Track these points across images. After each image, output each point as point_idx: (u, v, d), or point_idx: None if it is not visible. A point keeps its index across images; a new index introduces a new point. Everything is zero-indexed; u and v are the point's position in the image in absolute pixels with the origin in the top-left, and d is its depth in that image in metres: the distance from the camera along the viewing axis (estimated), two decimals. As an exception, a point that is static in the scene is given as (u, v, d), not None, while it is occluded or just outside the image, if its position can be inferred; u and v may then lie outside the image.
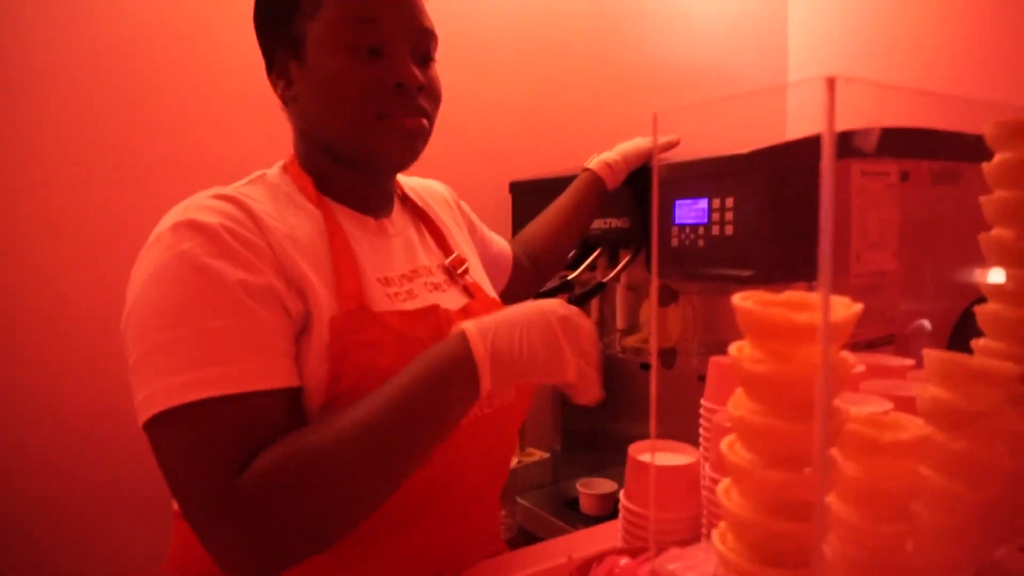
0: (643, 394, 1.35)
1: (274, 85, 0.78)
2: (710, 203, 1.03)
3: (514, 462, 1.54)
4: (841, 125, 0.99)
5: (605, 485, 1.38)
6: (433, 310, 0.77)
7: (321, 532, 0.60)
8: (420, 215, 0.93)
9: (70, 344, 1.20)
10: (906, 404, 0.57)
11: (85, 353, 1.21)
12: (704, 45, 1.97)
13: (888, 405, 0.57)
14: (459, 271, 0.89)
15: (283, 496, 0.58)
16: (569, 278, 1.29)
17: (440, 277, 0.86)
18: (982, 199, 0.57)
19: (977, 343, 0.59)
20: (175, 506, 0.67)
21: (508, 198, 1.50)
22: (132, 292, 0.64)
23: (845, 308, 0.38)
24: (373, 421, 0.60)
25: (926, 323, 1.17)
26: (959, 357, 0.51)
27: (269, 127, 1.29)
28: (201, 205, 0.66)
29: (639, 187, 1.18)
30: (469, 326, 0.65)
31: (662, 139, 1.16)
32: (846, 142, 1.02)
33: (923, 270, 1.17)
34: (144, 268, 0.64)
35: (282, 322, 0.65)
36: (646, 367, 1.35)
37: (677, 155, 1.12)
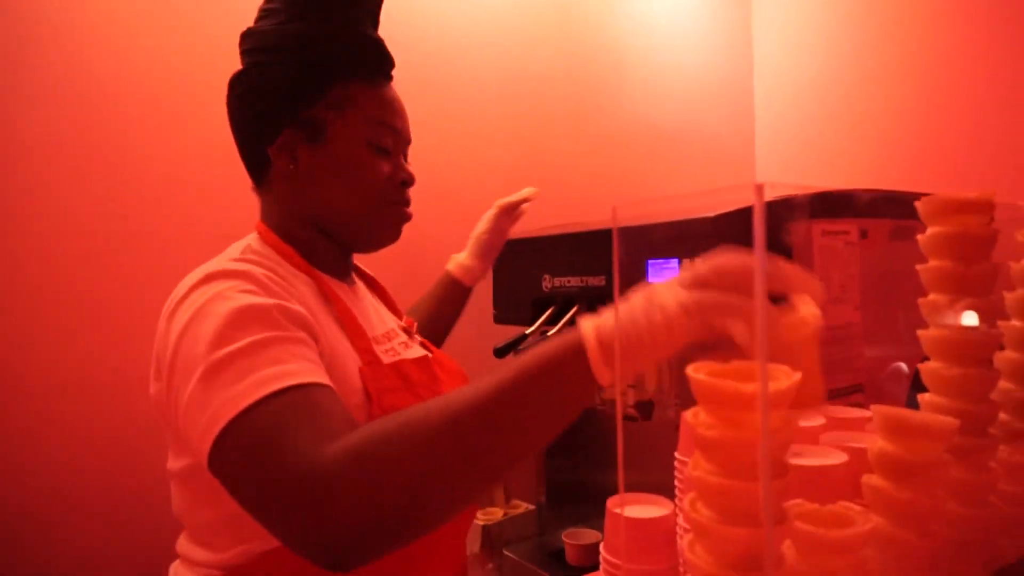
0: (626, 443, 1.38)
1: (273, 157, 0.82)
2: (680, 263, 1.09)
3: (500, 514, 1.56)
4: (806, 187, 1.06)
5: (590, 535, 1.40)
6: (425, 360, 0.86)
7: (405, 519, 0.56)
8: (369, 281, 1.02)
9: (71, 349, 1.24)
10: (860, 456, 0.61)
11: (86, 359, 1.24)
12: (674, 105, 2.07)
13: (842, 457, 0.62)
14: (413, 330, 0.98)
15: (368, 474, 0.55)
16: (549, 334, 1.34)
17: (403, 336, 0.93)
18: (919, 267, 0.63)
19: (923, 397, 0.64)
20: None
21: (489, 256, 1.55)
22: (171, 338, 0.66)
23: (786, 377, 0.43)
24: (477, 402, 0.55)
25: (903, 366, 1.22)
26: (903, 413, 0.56)
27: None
28: (224, 262, 0.71)
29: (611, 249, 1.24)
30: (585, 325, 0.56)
31: (515, 197, 1.24)
32: (806, 204, 1.09)
33: (887, 319, 1.23)
34: (182, 316, 0.67)
35: (315, 350, 0.69)
36: (629, 419, 1.39)
37: (650, 216, 1.18)
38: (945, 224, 0.62)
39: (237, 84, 0.82)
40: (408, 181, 0.87)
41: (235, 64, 0.83)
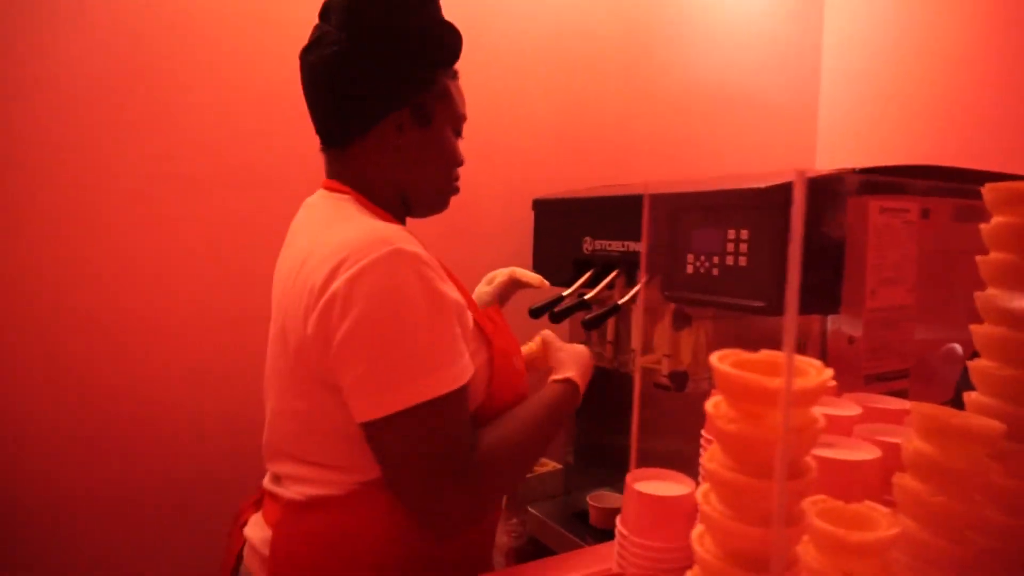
0: (658, 412, 1.37)
1: (385, 131, 0.90)
2: (726, 234, 1.05)
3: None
4: (872, 160, 1.00)
5: (614, 499, 1.40)
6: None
7: (504, 495, 0.96)
8: None
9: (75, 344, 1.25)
10: (895, 452, 0.58)
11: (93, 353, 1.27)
12: (736, 67, 1.97)
13: (876, 453, 0.59)
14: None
15: (500, 470, 0.81)
16: (587, 297, 1.31)
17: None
18: (978, 259, 0.58)
19: (969, 396, 0.60)
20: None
21: (530, 215, 1.52)
22: (363, 303, 0.74)
23: (816, 374, 0.40)
24: (539, 426, 0.88)
25: (957, 347, 1.17)
26: (943, 413, 0.53)
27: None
28: (395, 235, 0.78)
29: (659, 214, 1.20)
30: (573, 375, 0.98)
31: (531, 278, 1.20)
32: (863, 180, 1.03)
33: (944, 304, 1.17)
34: (371, 285, 0.74)
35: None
36: (662, 387, 1.37)
37: (699, 185, 1.14)
38: (1011, 214, 0.57)
39: (346, 59, 0.86)
40: (462, 163, 0.98)
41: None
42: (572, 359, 1.02)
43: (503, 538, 1.51)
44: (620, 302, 1.25)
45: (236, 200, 1.33)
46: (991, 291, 0.58)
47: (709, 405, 0.43)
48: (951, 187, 1.14)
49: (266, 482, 0.91)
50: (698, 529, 0.45)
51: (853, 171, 1.02)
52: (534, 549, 1.55)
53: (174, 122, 1.27)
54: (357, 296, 0.73)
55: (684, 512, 0.72)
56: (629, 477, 0.75)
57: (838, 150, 2.00)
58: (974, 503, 0.52)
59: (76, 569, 1.25)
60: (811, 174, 1.01)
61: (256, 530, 0.88)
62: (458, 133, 0.98)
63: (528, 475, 1.54)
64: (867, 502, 0.50)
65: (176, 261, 1.29)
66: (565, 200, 1.44)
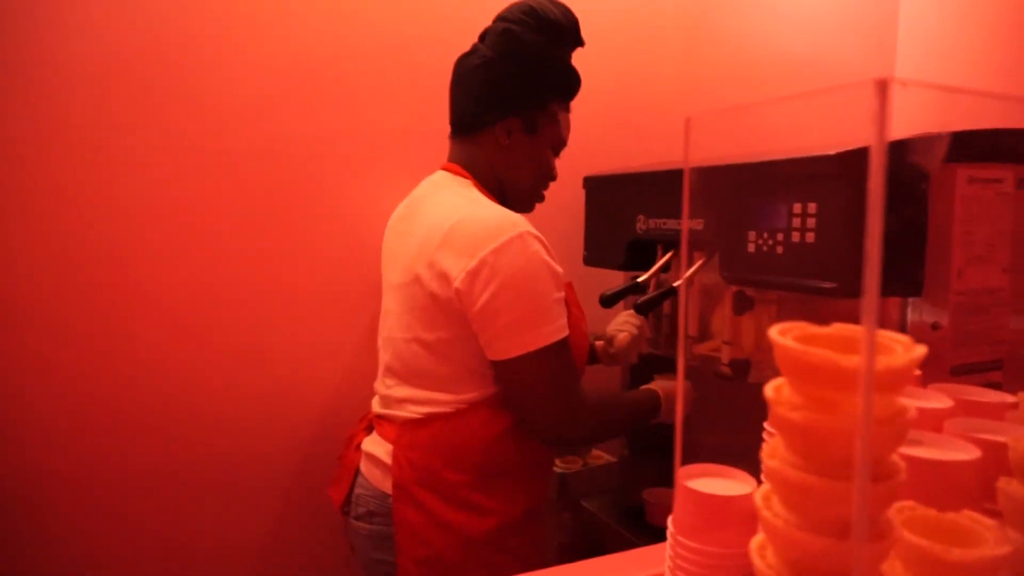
0: (717, 403, 1.28)
1: (499, 131, 1.13)
2: (791, 207, 0.95)
3: (579, 464, 1.50)
4: (950, 125, 0.89)
5: (672, 496, 1.32)
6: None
7: (594, 437, 1.32)
8: None
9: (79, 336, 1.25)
10: (997, 451, 0.49)
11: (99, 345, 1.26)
12: (804, 35, 1.84)
13: (974, 453, 0.50)
14: None
15: (594, 414, 1.10)
16: (640, 280, 1.23)
17: None
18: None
19: (1089, 386, 0.50)
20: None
21: (581, 193, 1.45)
22: (505, 272, 0.99)
23: (904, 351, 0.32)
24: (623, 406, 1.20)
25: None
26: (1061, 405, 0.44)
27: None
28: (522, 221, 1.03)
29: (716, 188, 1.11)
30: (658, 390, 1.23)
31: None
32: (950, 145, 0.92)
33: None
34: (512, 259, 0.99)
35: None
36: (723, 377, 1.28)
37: (757, 154, 1.04)
38: None
39: (489, 67, 1.11)
40: (555, 178, 1.23)
41: None
42: (662, 382, 1.26)
43: (552, 533, 1.46)
44: (675, 284, 1.16)
45: (244, 186, 1.32)
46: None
47: (769, 389, 0.36)
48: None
49: (377, 408, 1.17)
50: (758, 538, 0.37)
51: (939, 135, 0.91)
52: (586, 545, 1.48)
53: (178, 114, 1.26)
54: (500, 265, 0.98)
55: (743, 514, 0.64)
56: (680, 473, 0.67)
57: (915, 126, 1.84)
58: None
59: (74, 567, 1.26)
60: (891, 138, 0.91)
61: (375, 446, 1.13)
62: (556, 154, 1.21)
63: (582, 468, 1.48)
64: (966, 511, 0.41)
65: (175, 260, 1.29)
66: (617, 176, 1.36)
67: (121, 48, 1.20)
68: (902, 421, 0.33)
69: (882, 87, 0.25)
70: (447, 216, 1.05)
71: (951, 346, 0.97)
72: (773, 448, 0.36)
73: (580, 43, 1.17)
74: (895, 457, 0.34)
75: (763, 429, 0.73)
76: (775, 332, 0.34)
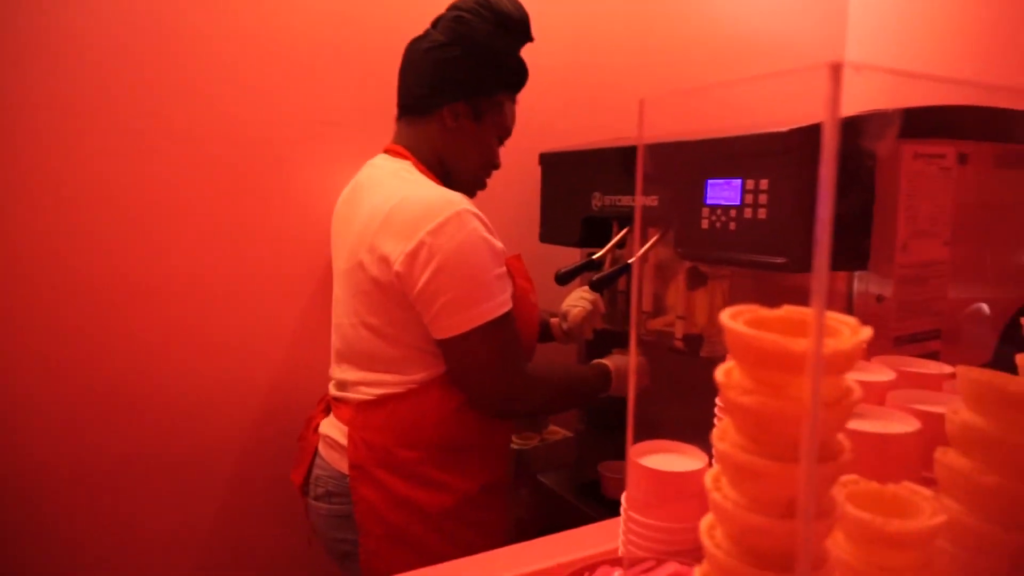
0: (671, 377, 1.30)
1: (446, 114, 1.14)
2: (744, 184, 0.96)
3: (536, 440, 1.51)
4: (897, 102, 0.90)
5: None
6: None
7: (542, 410, 1.36)
8: None
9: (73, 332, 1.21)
10: (935, 423, 0.51)
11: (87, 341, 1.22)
12: (756, 14, 1.85)
13: (914, 425, 0.52)
14: None
15: (541, 385, 1.13)
16: (596, 256, 1.24)
17: None
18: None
19: (1022, 359, 0.52)
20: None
21: (537, 170, 1.44)
22: (443, 251, 1.00)
23: (851, 334, 0.33)
24: (567, 384, 1.21)
25: (984, 307, 1.09)
26: (997, 379, 0.45)
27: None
28: (459, 199, 1.04)
29: (670, 165, 1.12)
30: (610, 365, 1.24)
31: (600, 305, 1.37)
32: (899, 121, 0.94)
33: (980, 259, 1.08)
34: (449, 238, 1.00)
35: None
36: (676, 351, 1.29)
37: (710, 132, 1.05)
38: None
39: (439, 51, 1.12)
40: (498, 167, 1.25)
41: None
42: (616, 357, 1.27)
43: (511, 507, 1.47)
44: (630, 261, 1.17)
45: (189, 170, 1.28)
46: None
47: (720, 372, 0.36)
48: (992, 130, 1.04)
49: (333, 391, 1.18)
50: (708, 519, 0.38)
51: (887, 112, 0.93)
52: (544, 520, 1.50)
53: (166, 115, 1.23)
54: (438, 245, 1.00)
55: (694, 490, 0.66)
56: (632, 450, 0.68)
57: (866, 98, 1.88)
58: (1033, 483, 0.45)
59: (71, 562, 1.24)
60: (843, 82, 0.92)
61: (331, 428, 1.14)
62: (501, 142, 1.23)
63: (539, 443, 1.49)
64: (906, 483, 0.42)
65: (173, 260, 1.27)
66: (573, 153, 1.35)
67: (67, 32, 1.15)
68: (848, 402, 0.33)
69: (835, 71, 0.25)
70: (386, 199, 1.06)
71: (895, 317, 1.00)
72: (723, 430, 0.36)
73: (529, 38, 1.19)
74: (840, 436, 0.35)
75: (715, 405, 0.74)
76: (726, 316, 0.34)
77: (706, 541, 0.37)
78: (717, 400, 0.73)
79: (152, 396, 1.27)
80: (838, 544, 0.41)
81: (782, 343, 0.32)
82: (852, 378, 0.36)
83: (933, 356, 1.03)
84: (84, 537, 1.24)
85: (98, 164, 1.19)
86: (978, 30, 1.65)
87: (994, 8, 1.62)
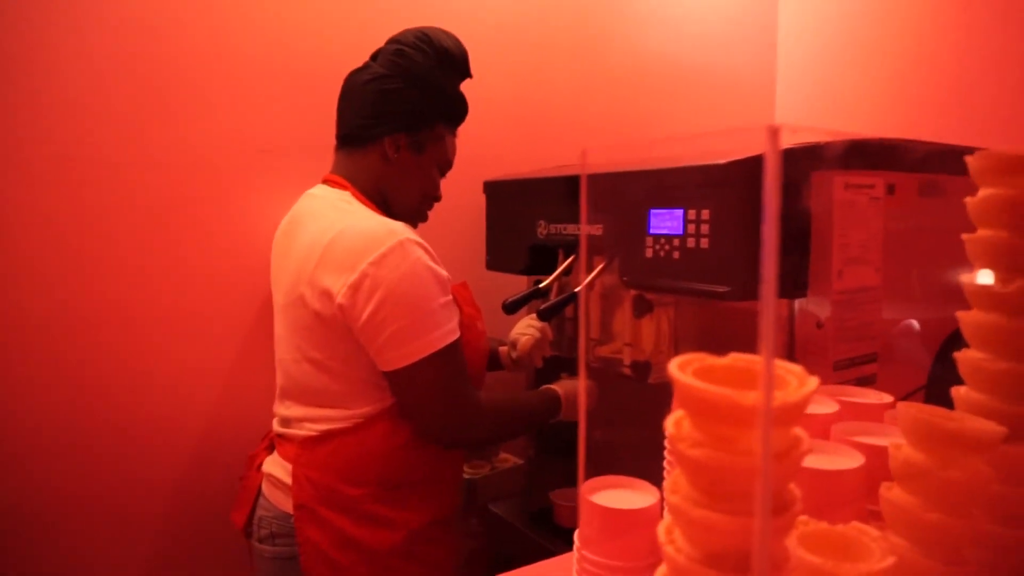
0: (620, 402, 1.30)
1: (387, 145, 1.14)
2: (686, 214, 0.98)
3: (487, 469, 1.49)
4: (825, 135, 0.93)
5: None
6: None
7: (492, 439, 1.35)
8: None
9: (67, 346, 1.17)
10: (879, 455, 0.52)
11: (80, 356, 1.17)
12: (691, 43, 1.90)
13: (859, 460, 0.53)
14: None
15: (491, 415, 1.11)
16: (542, 285, 1.24)
17: None
18: (965, 237, 0.52)
19: (958, 392, 0.54)
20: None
21: (482, 198, 1.44)
22: (387, 282, 0.98)
23: (799, 384, 0.33)
24: (517, 411, 1.20)
25: (915, 323, 1.12)
26: (936, 416, 0.46)
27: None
28: (401, 228, 1.03)
29: (614, 194, 1.13)
30: (559, 390, 1.24)
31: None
32: (829, 153, 0.97)
33: (909, 284, 1.13)
34: (393, 268, 0.99)
35: None
36: (622, 377, 1.30)
37: (655, 162, 1.06)
38: (1003, 185, 0.50)
39: (380, 83, 1.12)
40: (440, 199, 1.25)
41: None
42: (565, 382, 1.27)
43: (461, 540, 1.45)
44: (577, 290, 1.17)
45: (121, 197, 1.24)
46: (981, 273, 0.52)
47: (669, 424, 0.36)
48: (914, 161, 1.09)
49: (277, 428, 1.14)
50: (661, 570, 0.37)
51: (823, 143, 0.96)
52: (495, 550, 1.48)
53: (94, 141, 1.18)
54: (382, 276, 0.98)
55: (646, 526, 0.65)
56: (584, 488, 0.68)
57: (796, 123, 1.95)
58: (972, 518, 0.46)
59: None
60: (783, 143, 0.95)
61: (275, 467, 1.11)
62: (443, 174, 1.23)
63: (489, 472, 1.47)
64: (854, 523, 0.43)
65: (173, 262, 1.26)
66: (516, 181, 1.36)
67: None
68: (798, 453, 0.33)
69: (773, 133, 0.25)
70: (325, 230, 1.04)
71: (833, 342, 1.02)
72: (675, 483, 0.36)
73: (468, 75, 1.21)
74: (792, 486, 0.35)
75: (664, 437, 0.74)
76: (674, 367, 0.34)
77: (660, 595, 0.36)
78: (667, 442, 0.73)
79: (82, 434, 1.20)
80: (790, 587, 0.41)
81: (732, 397, 0.31)
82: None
83: (870, 379, 1.06)
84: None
85: (24, 193, 1.13)
86: (897, 51, 1.74)
87: (911, 35, 1.70)
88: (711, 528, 0.33)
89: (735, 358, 0.36)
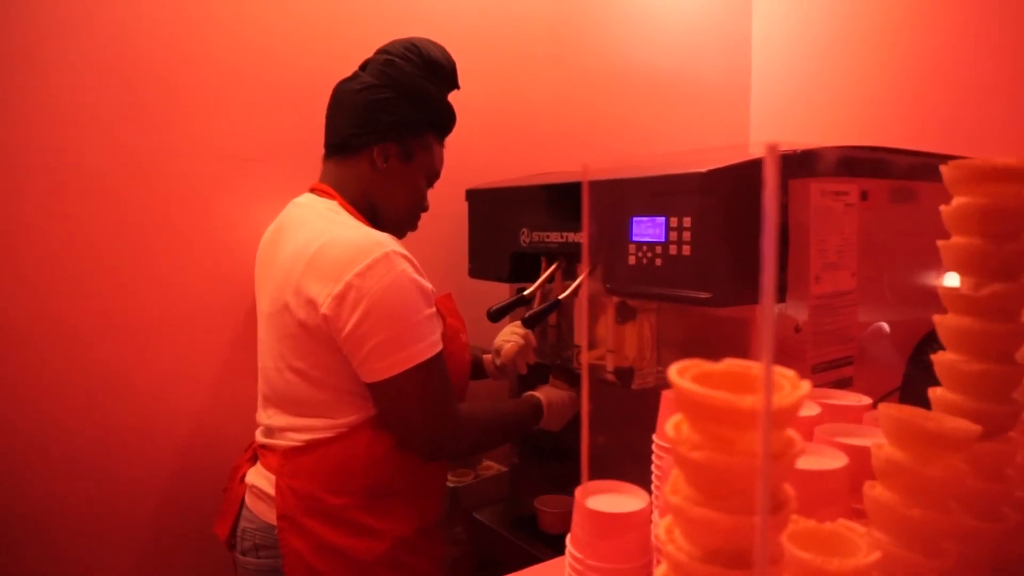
0: (605, 408, 1.32)
1: (376, 154, 1.14)
2: (668, 221, 1.00)
3: (470, 477, 1.50)
4: (802, 142, 0.96)
5: (564, 503, 1.34)
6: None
7: (474, 450, 1.38)
8: None
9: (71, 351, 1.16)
10: (861, 456, 0.54)
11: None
12: (668, 51, 1.94)
13: (842, 460, 0.55)
14: None
15: (475, 424, 1.13)
16: (526, 292, 1.25)
17: None
18: (940, 244, 0.54)
19: (934, 393, 0.56)
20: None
21: (464, 206, 1.45)
22: (372, 293, 0.99)
23: (792, 387, 0.35)
24: (499, 421, 1.21)
25: (884, 325, 1.16)
26: (916, 416, 0.48)
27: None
28: (387, 240, 1.03)
29: (597, 202, 1.15)
30: (542, 397, 1.26)
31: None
32: (806, 161, 1.00)
33: (883, 287, 1.16)
34: (378, 280, 0.99)
35: None
36: (606, 383, 1.32)
37: (635, 169, 1.08)
38: (975, 194, 0.53)
39: (370, 92, 1.13)
40: (427, 209, 1.26)
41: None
42: (547, 389, 1.29)
43: (446, 548, 1.45)
44: (561, 297, 1.19)
45: (106, 203, 1.24)
46: (955, 278, 0.54)
47: (670, 427, 0.37)
48: (886, 168, 1.13)
49: (260, 438, 1.14)
50: (661, 569, 0.39)
51: (805, 150, 0.99)
52: (480, 558, 1.49)
53: (77, 149, 1.17)
54: (366, 288, 0.99)
55: (641, 527, 0.67)
56: (579, 492, 0.69)
57: (771, 131, 1.99)
58: (951, 512, 0.48)
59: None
60: (755, 156, 0.97)
61: (258, 478, 1.10)
62: (430, 184, 1.24)
63: (473, 480, 1.48)
64: (841, 521, 0.45)
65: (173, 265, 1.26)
66: (499, 189, 1.37)
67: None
68: (792, 453, 0.35)
69: (772, 149, 0.27)
70: (312, 240, 1.04)
71: (811, 346, 1.05)
72: (675, 484, 0.37)
73: (456, 86, 1.23)
74: (786, 485, 0.37)
75: (649, 436, 0.76)
76: (674, 373, 0.36)
77: (662, 592, 0.37)
78: (654, 437, 0.75)
79: (64, 443, 1.19)
80: (782, 583, 0.43)
81: (731, 401, 0.33)
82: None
83: (847, 381, 1.09)
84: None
85: (6, 202, 1.12)
86: (870, 57, 1.79)
87: (884, 42, 1.75)
88: (711, 526, 0.35)
89: (731, 363, 0.38)
